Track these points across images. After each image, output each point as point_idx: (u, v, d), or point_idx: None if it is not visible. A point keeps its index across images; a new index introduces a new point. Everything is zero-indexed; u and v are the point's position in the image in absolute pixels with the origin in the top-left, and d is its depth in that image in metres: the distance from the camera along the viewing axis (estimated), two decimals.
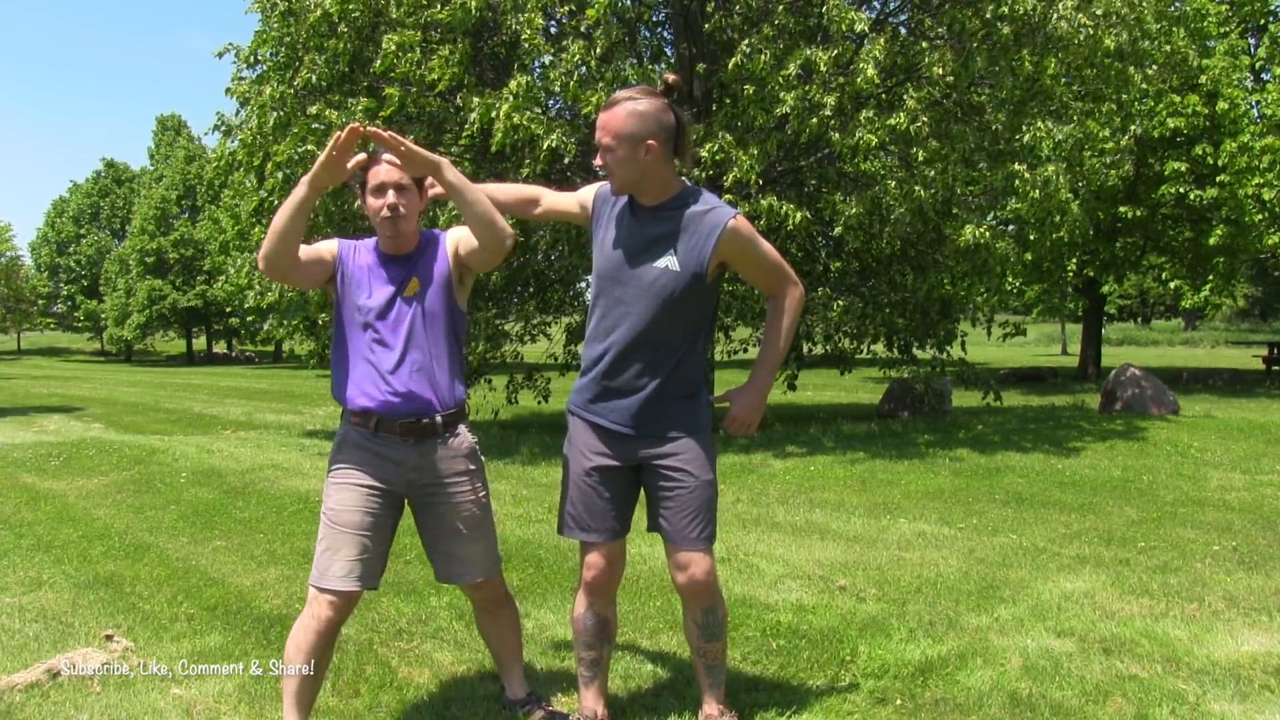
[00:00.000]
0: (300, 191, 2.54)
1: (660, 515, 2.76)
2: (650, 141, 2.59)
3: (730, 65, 8.70)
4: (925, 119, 8.54)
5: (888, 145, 8.83)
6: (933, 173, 8.79)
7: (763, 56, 8.44)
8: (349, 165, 2.57)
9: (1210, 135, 17.07)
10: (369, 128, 2.55)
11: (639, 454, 2.75)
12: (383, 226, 2.69)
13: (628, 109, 2.59)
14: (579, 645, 2.87)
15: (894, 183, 8.86)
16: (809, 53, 8.44)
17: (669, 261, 2.65)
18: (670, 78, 2.69)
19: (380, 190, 2.66)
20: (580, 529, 2.79)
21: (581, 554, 2.84)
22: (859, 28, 8.55)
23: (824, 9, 8.63)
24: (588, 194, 2.87)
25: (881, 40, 8.64)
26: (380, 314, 2.69)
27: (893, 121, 8.46)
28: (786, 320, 2.76)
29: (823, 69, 8.39)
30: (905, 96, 8.69)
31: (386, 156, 2.63)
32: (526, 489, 7.31)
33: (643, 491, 2.85)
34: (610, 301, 2.73)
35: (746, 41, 8.62)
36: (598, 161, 2.67)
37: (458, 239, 2.77)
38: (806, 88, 8.44)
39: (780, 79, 8.43)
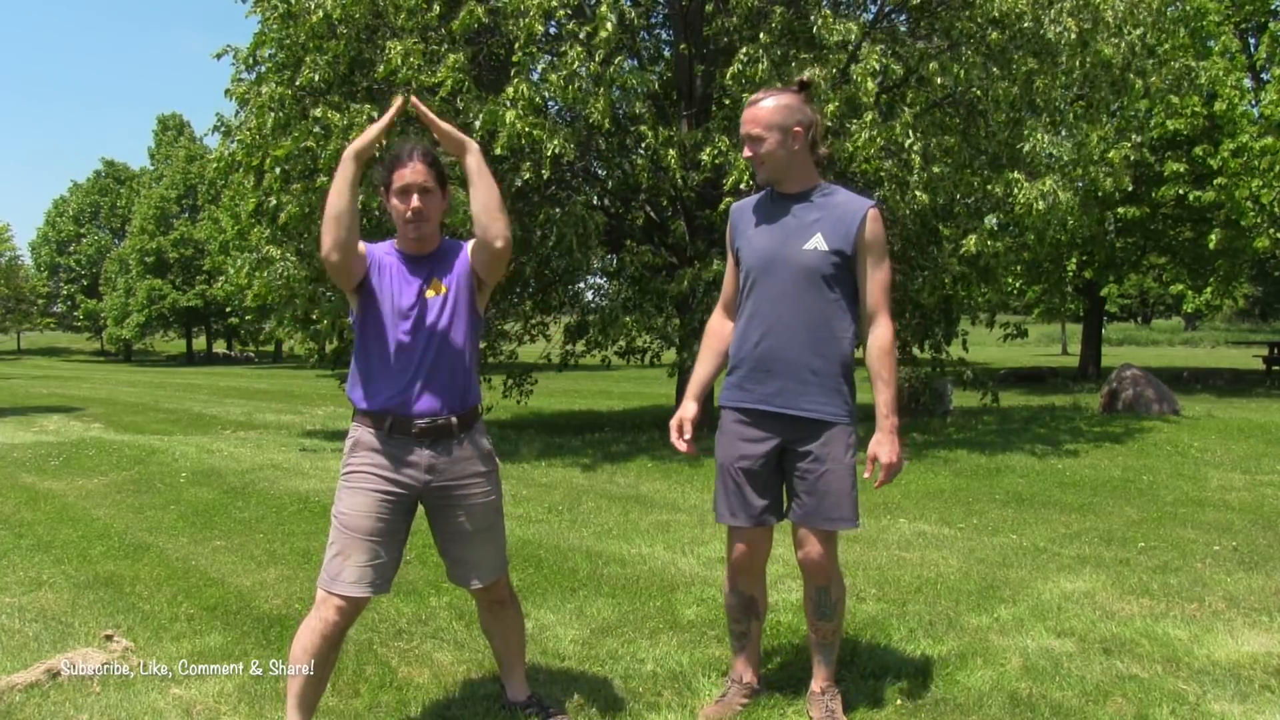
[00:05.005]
0: (349, 167, 2.63)
1: (795, 495, 2.93)
2: (797, 129, 2.82)
3: (729, 73, 8.69)
4: (918, 134, 8.49)
5: (890, 150, 8.77)
6: (926, 176, 8.75)
7: (760, 66, 8.42)
8: (386, 123, 2.72)
9: (1210, 136, 17.04)
10: (413, 99, 2.74)
11: (784, 438, 2.90)
12: (406, 228, 2.72)
13: (775, 102, 2.82)
14: (729, 620, 3.09)
15: (893, 187, 8.82)
16: (808, 71, 8.40)
17: (817, 242, 2.84)
18: (805, 77, 2.96)
19: (405, 193, 2.69)
20: (729, 514, 2.97)
21: (729, 539, 3.02)
22: (851, 37, 8.50)
23: (817, 20, 8.58)
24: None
25: (876, 50, 8.60)
26: (403, 316, 2.71)
27: (892, 131, 8.41)
28: (887, 363, 2.93)
29: (821, 84, 8.35)
30: (902, 106, 8.64)
31: (412, 162, 2.70)
32: (526, 489, 7.31)
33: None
34: (764, 289, 2.89)
35: (745, 50, 8.59)
36: (746, 153, 2.87)
37: (473, 246, 2.81)
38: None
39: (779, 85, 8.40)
